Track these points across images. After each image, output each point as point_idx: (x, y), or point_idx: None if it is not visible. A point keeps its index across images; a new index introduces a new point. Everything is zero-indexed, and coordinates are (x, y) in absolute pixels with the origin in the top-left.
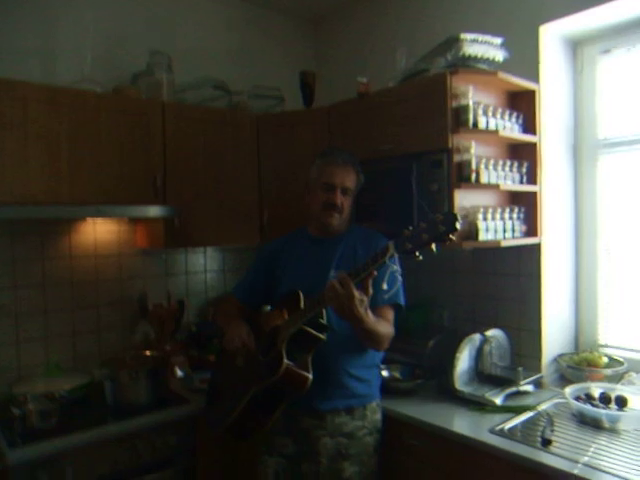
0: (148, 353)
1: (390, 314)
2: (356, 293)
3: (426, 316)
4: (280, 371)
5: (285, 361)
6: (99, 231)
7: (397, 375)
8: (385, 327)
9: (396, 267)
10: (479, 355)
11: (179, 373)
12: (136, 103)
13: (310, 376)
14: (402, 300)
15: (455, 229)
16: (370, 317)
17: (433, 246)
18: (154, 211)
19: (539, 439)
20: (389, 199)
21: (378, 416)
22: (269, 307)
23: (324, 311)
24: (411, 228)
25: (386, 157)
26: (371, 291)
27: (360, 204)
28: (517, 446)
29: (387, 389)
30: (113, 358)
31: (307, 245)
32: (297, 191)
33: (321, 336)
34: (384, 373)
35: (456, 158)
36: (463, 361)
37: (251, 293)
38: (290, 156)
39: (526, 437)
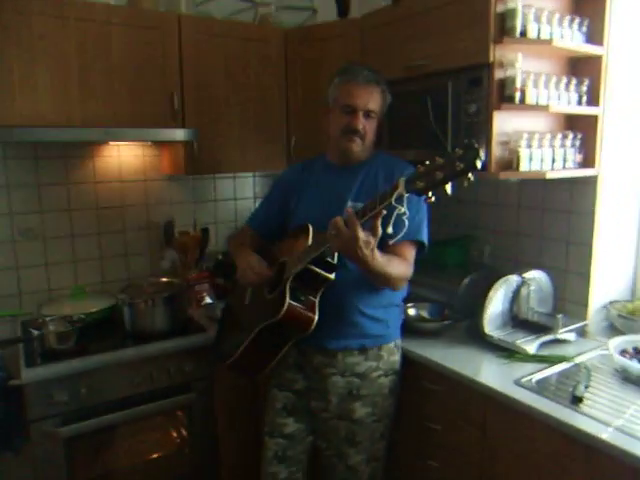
0: (168, 280)
1: (409, 252)
2: (361, 234)
3: (464, 252)
4: (282, 311)
5: (288, 301)
6: (124, 156)
7: (424, 314)
8: (398, 268)
9: (404, 209)
10: (515, 298)
11: (207, 300)
12: (149, 16)
13: (315, 317)
14: (424, 236)
15: (474, 167)
16: (377, 259)
17: (448, 187)
18: (169, 134)
19: (569, 395)
20: (421, 123)
21: (396, 357)
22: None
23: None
24: (427, 163)
25: (420, 75)
26: (380, 231)
27: (390, 129)
28: (541, 401)
29: (410, 329)
30: (132, 284)
31: (325, 173)
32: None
33: (329, 276)
34: (411, 311)
35: (498, 74)
36: (496, 303)
37: (265, 223)
38: (320, 75)
39: (555, 392)
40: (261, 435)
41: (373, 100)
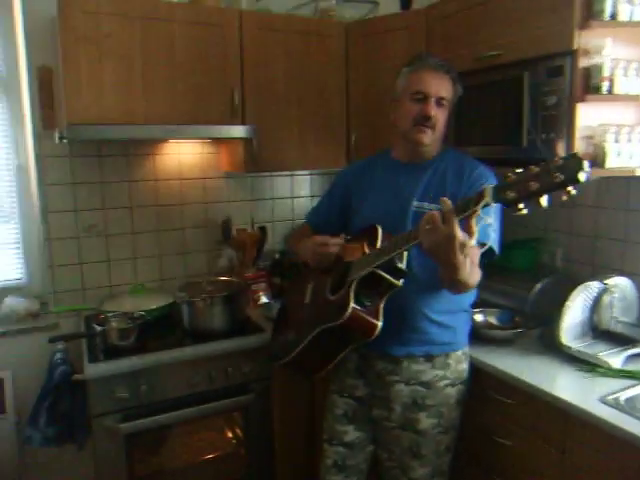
0: (227, 279)
1: (476, 256)
2: (459, 233)
3: (534, 255)
4: (345, 316)
5: (351, 305)
6: (183, 153)
7: (493, 321)
8: (475, 277)
9: (491, 220)
10: (596, 306)
11: (263, 299)
12: (211, 12)
13: (379, 324)
14: (495, 241)
15: (577, 181)
16: (468, 266)
17: (543, 199)
18: (229, 131)
19: None
20: (493, 119)
21: (464, 366)
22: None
23: (404, 252)
24: (518, 171)
25: (491, 67)
26: (477, 235)
27: (457, 125)
28: (632, 422)
29: (478, 336)
30: (191, 282)
31: (389, 171)
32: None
33: (397, 283)
34: (478, 317)
35: (582, 62)
36: (574, 312)
37: (325, 222)
38: (382, 70)
39: None
40: (318, 439)
41: (445, 87)
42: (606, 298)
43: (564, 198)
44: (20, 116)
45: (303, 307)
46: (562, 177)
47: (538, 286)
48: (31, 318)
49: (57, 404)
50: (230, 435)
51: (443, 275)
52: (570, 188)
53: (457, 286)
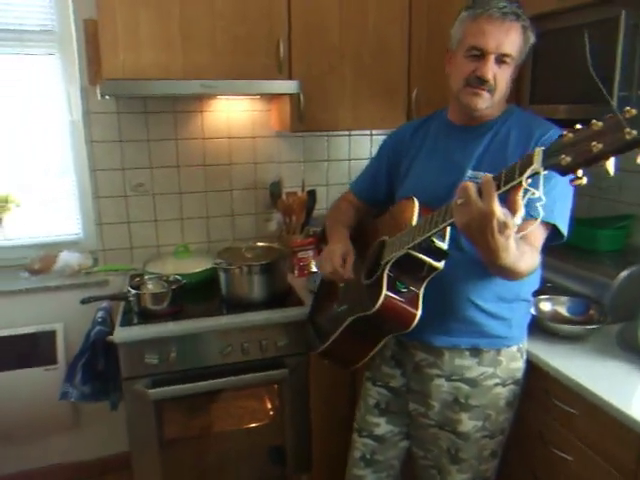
0: (269, 245)
1: (539, 238)
2: (498, 210)
3: (623, 236)
4: (377, 304)
5: (384, 292)
6: (232, 110)
7: (562, 311)
8: (528, 262)
9: (538, 194)
10: None
11: (313, 268)
12: None
13: (418, 313)
14: (562, 219)
15: None
16: (512, 250)
17: (609, 163)
18: (271, 86)
19: None
20: (577, 71)
21: (518, 364)
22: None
23: (447, 229)
24: (579, 128)
25: (578, 6)
26: (522, 212)
27: (533, 78)
28: None
29: (542, 328)
30: (231, 248)
31: (442, 134)
32: None
33: (437, 265)
34: (544, 306)
35: None
36: None
37: (371, 189)
38: (449, 15)
39: None
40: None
41: (510, 40)
42: None
43: (639, 161)
44: (72, 71)
45: (340, 290)
46: (635, 133)
47: (624, 273)
48: (84, 273)
49: (93, 363)
50: (269, 405)
51: (484, 259)
52: None
53: (503, 273)
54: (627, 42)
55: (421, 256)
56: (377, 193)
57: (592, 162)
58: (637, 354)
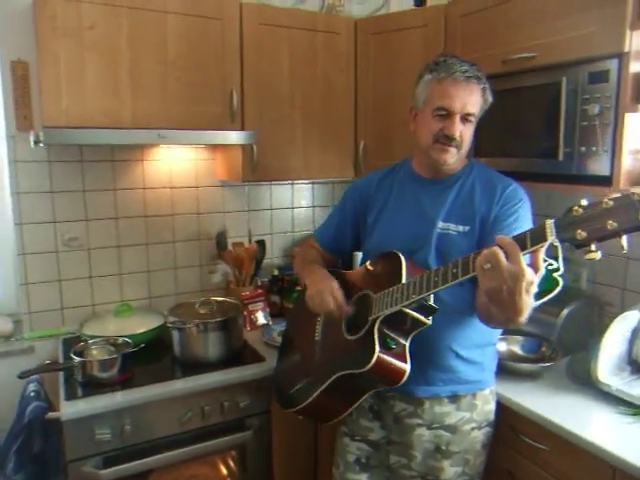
0: (222, 299)
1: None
2: (528, 271)
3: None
4: (370, 363)
5: (377, 351)
6: (175, 159)
7: (517, 350)
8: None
9: (556, 264)
10: (635, 339)
11: (262, 320)
12: (209, 4)
13: (408, 368)
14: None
15: None
16: (530, 307)
17: (623, 240)
18: (227, 137)
19: None
20: (524, 127)
21: (491, 406)
22: (360, 255)
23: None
24: (585, 204)
25: (522, 71)
26: (543, 267)
27: (479, 132)
28: None
29: (502, 369)
30: (183, 304)
31: (410, 185)
32: (402, 115)
33: (427, 321)
34: (501, 347)
35: (633, 67)
36: (611, 345)
37: (335, 238)
38: (395, 71)
39: None
40: None
41: (473, 101)
42: None
43: None
44: None
45: (314, 344)
46: None
47: (565, 312)
48: (3, 340)
49: (28, 446)
50: (225, 473)
51: (498, 315)
52: None
53: (507, 325)
54: (569, 104)
55: (413, 313)
56: (342, 243)
57: (607, 238)
58: (588, 385)
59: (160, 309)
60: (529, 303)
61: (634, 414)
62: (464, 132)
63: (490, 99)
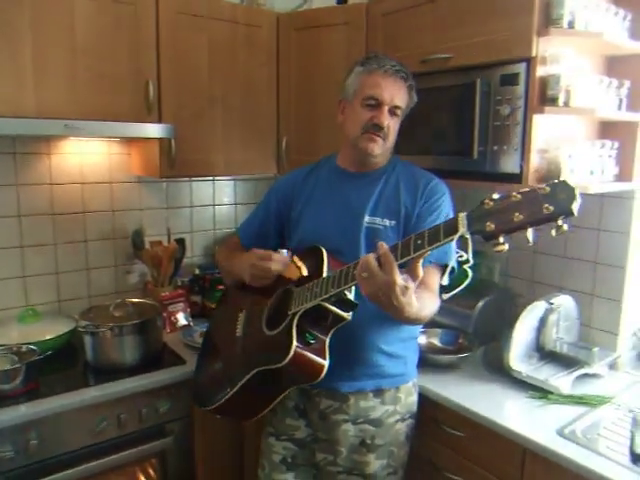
0: (139, 301)
1: (434, 278)
2: (399, 279)
3: (474, 271)
4: (287, 358)
5: (294, 345)
6: (86, 153)
7: (436, 342)
8: (429, 307)
9: (466, 256)
10: (542, 327)
11: (182, 321)
12: None
13: (326, 364)
14: (453, 259)
15: (570, 213)
16: (414, 304)
17: (529, 233)
18: (142, 130)
19: (627, 451)
20: (440, 126)
21: (413, 398)
22: (285, 252)
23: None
24: (496, 197)
25: (439, 71)
26: (421, 273)
27: (400, 131)
28: (595, 459)
29: (423, 361)
30: (96, 307)
31: (335, 180)
32: (325, 111)
33: (346, 316)
34: (421, 339)
35: (540, 71)
36: (522, 334)
37: (258, 236)
38: (317, 67)
39: (608, 446)
40: None
41: (400, 95)
42: (552, 318)
43: (554, 233)
44: None
45: (235, 340)
46: (552, 208)
47: (480, 304)
48: None
49: None
50: None
51: (391, 315)
52: (561, 222)
53: (409, 322)
54: (482, 105)
55: (332, 308)
56: (266, 240)
57: (514, 230)
58: (501, 372)
59: (71, 313)
60: (410, 304)
61: (541, 397)
62: (391, 124)
63: (415, 98)
